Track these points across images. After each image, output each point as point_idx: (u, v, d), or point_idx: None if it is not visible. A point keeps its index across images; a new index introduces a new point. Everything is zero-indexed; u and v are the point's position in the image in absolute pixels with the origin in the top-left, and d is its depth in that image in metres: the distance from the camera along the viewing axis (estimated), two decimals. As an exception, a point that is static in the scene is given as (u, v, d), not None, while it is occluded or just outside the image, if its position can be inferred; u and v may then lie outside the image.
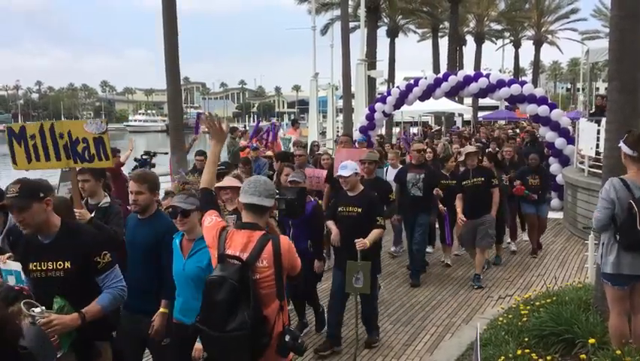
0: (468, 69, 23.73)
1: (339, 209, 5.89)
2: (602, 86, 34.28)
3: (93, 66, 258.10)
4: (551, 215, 13.00)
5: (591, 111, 14.46)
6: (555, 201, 13.60)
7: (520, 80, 16.76)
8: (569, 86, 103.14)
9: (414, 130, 31.13)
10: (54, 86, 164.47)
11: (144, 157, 9.48)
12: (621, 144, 4.51)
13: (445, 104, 25.72)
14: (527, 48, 56.25)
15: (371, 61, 27.39)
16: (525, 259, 9.45)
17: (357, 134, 17.15)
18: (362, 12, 24.77)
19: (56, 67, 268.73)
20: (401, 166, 9.31)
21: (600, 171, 7.24)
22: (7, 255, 4.11)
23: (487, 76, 14.94)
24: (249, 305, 3.08)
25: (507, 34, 52.26)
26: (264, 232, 3.32)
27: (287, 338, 3.27)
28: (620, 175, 4.66)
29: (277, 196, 3.76)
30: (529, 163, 9.57)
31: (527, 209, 9.57)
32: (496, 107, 40.35)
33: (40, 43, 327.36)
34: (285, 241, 3.36)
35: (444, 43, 40.07)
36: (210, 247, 3.38)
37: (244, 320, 3.05)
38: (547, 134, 13.96)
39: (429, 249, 9.45)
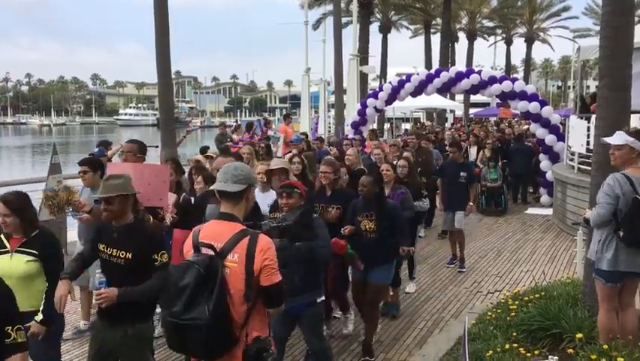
0: (460, 66, 23.79)
1: None
2: (592, 84, 34.46)
3: (85, 60, 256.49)
4: (541, 211, 13.14)
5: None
6: (545, 198, 13.70)
7: (511, 77, 16.79)
8: (559, 83, 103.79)
9: (406, 126, 31.19)
10: (44, 79, 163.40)
11: (134, 150, 9.40)
12: (630, 140, 4.45)
13: (436, 101, 25.82)
14: (519, 45, 56.60)
15: (363, 56, 27.42)
16: (514, 255, 9.49)
17: (348, 130, 17.20)
18: (354, 7, 24.77)
19: (49, 60, 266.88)
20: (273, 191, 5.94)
21: (590, 168, 7.28)
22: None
23: (479, 72, 14.96)
24: (210, 299, 2.87)
25: (499, 31, 52.38)
26: (243, 227, 3.09)
27: (254, 346, 3.00)
28: (609, 171, 4.68)
29: (268, 224, 3.59)
30: (360, 191, 5.58)
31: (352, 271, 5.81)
32: (487, 104, 40.51)
33: (33, 36, 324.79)
34: (265, 240, 3.06)
35: (436, 39, 40.22)
36: (187, 254, 3.15)
37: (202, 312, 2.86)
38: (537, 130, 14.03)
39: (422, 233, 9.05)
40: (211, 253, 2.96)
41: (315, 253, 4.56)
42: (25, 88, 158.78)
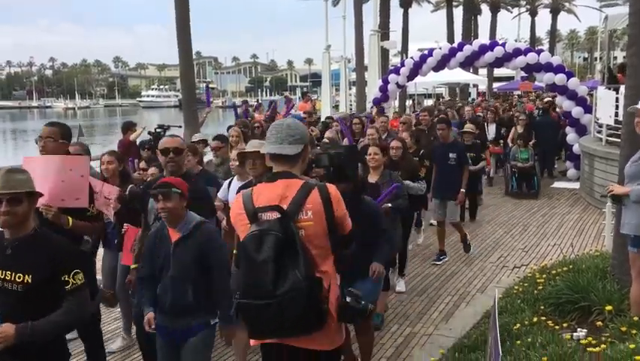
0: (483, 39, 23.41)
1: None
2: (620, 55, 33.60)
3: (106, 42, 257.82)
4: (568, 185, 12.96)
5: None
6: (571, 171, 13.50)
7: (536, 49, 16.44)
8: (586, 55, 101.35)
9: (429, 102, 30.86)
10: (67, 62, 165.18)
11: (158, 130, 9.49)
12: None
13: (459, 75, 25.48)
14: (544, 17, 55.10)
15: (384, 32, 27.11)
16: (541, 229, 9.40)
17: (370, 107, 17.10)
18: (375, -18, 24.43)
19: (69, 42, 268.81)
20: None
21: (619, 140, 7.12)
22: None
23: (503, 45, 14.71)
24: (298, 263, 2.56)
25: (523, 2, 51.27)
26: (304, 180, 2.78)
27: (348, 299, 2.77)
28: (639, 142, 4.58)
29: (315, 152, 3.19)
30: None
31: None
32: (511, 78, 39.84)
33: (52, 18, 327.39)
34: (334, 188, 2.79)
35: (458, 13, 39.56)
36: (236, 222, 2.82)
37: (296, 279, 2.53)
38: (564, 103, 13.79)
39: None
40: (277, 215, 2.64)
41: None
42: (49, 72, 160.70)
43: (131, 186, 5.09)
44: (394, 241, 5.38)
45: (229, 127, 10.30)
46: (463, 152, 8.02)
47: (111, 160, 5.27)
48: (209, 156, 7.60)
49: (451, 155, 7.72)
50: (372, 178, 5.61)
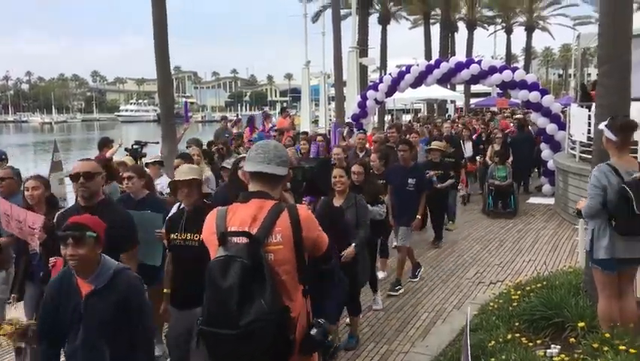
0: (460, 56, 23.70)
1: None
2: (593, 72, 34.27)
3: (84, 56, 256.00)
4: (543, 201, 13.13)
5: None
6: (546, 187, 13.69)
7: (512, 66, 16.73)
8: (560, 72, 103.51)
9: (408, 117, 31.14)
10: (44, 77, 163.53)
11: (135, 147, 9.40)
12: (603, 128, 4.51)
13: (437, 91, 25.80)
14: (519, 34, 56.14)
15: (363, 48, 27.35)
16: (517, 245, 9.49)
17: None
18: (353, -1, 24.65)
19: (46, 56, 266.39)
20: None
21: (591, 157, 7.25)
22: None
23: (479, 62, 14.93)
24: (264, 291, 2.45)
25: (499, 20, 52.18)
26: (276, 201, 2.68)
27: (314, 331, 2.63)
28: (609, 159, 4.68)
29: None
30: None
31: None
32: (488, 94, 40.42)
33: (30, 30, 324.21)
34: (304, 209, 2.72)
35: (436, 30, 40.11)
36: (208, 242, 2.72)
37: (262, 309, 2.41)
38: (538, 120, 14.02)
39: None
40: (245, 240, 2.54)
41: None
42: (25, 86, 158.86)
43: (59, 213, 4.45)
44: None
45: (207, 142, 10.28)
46: (422, 177, 7.81)
47: (36, 186, 4.75)
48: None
49: (410, 180, 7.44)
50: (337, 201, 5.39)
